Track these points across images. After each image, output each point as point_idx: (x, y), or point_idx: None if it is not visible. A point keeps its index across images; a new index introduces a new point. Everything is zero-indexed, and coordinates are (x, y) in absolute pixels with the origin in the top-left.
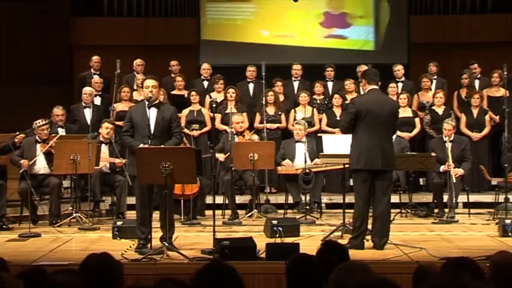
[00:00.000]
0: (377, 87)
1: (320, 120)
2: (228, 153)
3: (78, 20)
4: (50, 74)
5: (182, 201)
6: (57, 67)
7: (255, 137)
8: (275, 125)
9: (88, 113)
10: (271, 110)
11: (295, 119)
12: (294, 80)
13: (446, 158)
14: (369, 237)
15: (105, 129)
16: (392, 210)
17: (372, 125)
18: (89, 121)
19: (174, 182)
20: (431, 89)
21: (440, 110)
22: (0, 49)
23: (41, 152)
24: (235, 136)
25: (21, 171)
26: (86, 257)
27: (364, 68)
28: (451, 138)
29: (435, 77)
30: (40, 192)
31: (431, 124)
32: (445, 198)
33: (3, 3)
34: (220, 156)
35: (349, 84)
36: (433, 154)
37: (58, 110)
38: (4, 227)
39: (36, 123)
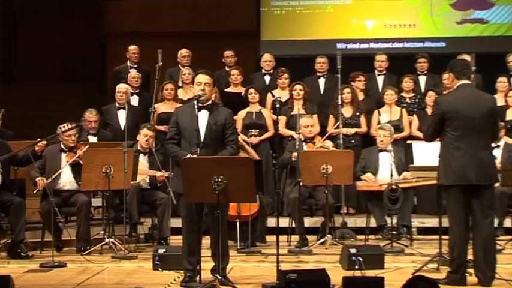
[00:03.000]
0: (469, 82)
1: (410, 124)
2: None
3: (111, 3)
4: (78, 69)
5: (238, 224)
6: (87, 60)
7: (329, 145)
8: (353, 130)
9: (123, 116)
10: (348, 111)
11: (378, 123)
12: (378, 74)
13: None
14: (472, 270)
15: (144, 136)
16: (502, 238)
17: (463, 129)
18: (123, 126)
19: (228, 201)
20: None
21: None
22: (18, 42)
23: (67, 164)
24: (304, 143)
25: (35, 192)
26: None
27: None
28: None
29: None
30: (65, 212)
31: None
32: None
33: None
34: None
35: (447, 77)
36: None
37: (91, 115)
38: (23, 254)
39: (61, 128)
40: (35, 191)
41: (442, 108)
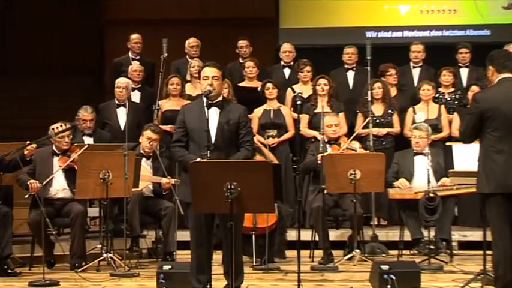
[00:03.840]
0: (511, 75)
1: (450, 123)
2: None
3: None
4: (72, 61)
5: (254, 237)
6: (82, 51)
7: (356, 146)
8: (385, 130)
9: (123, 114)
10: (379, 109)
11: (413, 122)
12: (413, 67)
13: None
14: None
15: (147, 138)
16: None
17: (504, 129)
18: (123, 125)
19: (243, 211)
20: None
21: None
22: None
23: (60, 169)
24: (328, 145)
25: (27, 196)
26: None
27: None
28: None
29: None
30: (58, 223)
31: None
32: None
33: None
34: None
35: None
36: None
37: (86, 113)
38: (9, 271)
39: (53, 129)
40: (26, 196)
41: (480, 106)
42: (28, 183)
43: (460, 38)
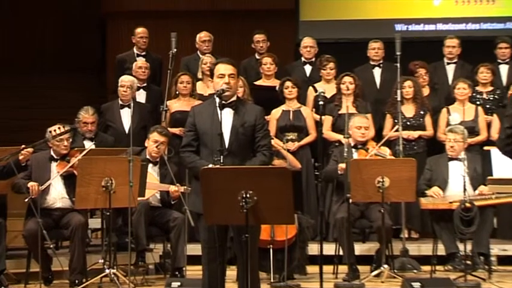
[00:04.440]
0: None
1: (488, 126)
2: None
3: None
4: (71, 57)
5: (272, 251)
6: (83, 46)
7: (386, 153)
8: (416, 133)
9: (127, 116)
10: (409, 110)
11: (448, 124)
12: (448, 63)
13: None
14: None
15: (154, 142)
16: None
17: None
18: (127, 128)
19: (259, 222)
20: None
21: None
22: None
23: (58, 174)
24: (354, 150)
25: (27, 200)
26: None
27: None
28: None
29: None
30: (56, 236)
31: None
32: None
33: None
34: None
35: None
36: None
37: (87, 115)
38: None
39: (50, 132)
40: (26, 199)
41: None
42: (29, 185)
43: (499, 31)
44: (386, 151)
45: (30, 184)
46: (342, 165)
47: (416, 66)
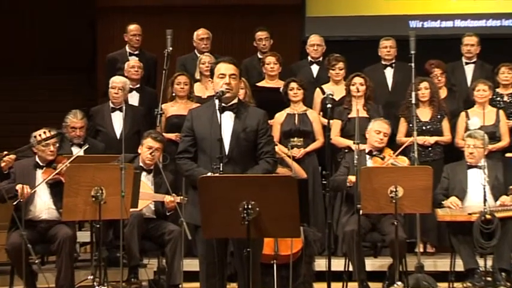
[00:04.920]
0: None
1: (510, 131)
2: None
3: None
4: (60, 56)
5: (275, 267)
6: (72, 45)
7: (405, 163)
8: (433, 139)
9: (118, 120)
10: (425, 114)
11: (467, 129)
12: (466, 63)
13: None
14: None
15: (148, 148)
16: None
17: None
18: (119, 133)
19: (262, 235)
20: None
21: None
22: None
23: (43, 181)
24: (368, 157)
25: (15, 203)
26: None
27: None
28: None
29: None
30: (42, 250)
31: None
32: None
33: None
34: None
35: None
36: None
37: (75, 120)
38: None
39: (35, 136)
40: (15, 203)
41: None
42: (17, 187)
43: None
44: (405, 161)
45: (19, 186)
46: (352, 178)
47: (432, 66)
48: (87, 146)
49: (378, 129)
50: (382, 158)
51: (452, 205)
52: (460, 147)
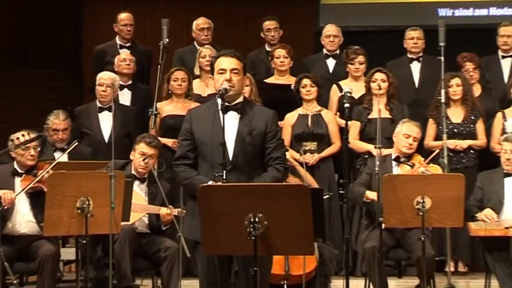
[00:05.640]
0: None
1: None
2: None
3: None
4: (40, 49)
5: None
6: (54, 36)
7: (438, 172)
8: (465, 143)
9: (107, 121)
10: (457, 114)
11: (504, 132)
12: (503, 56)
13: None
14: None
15: (141, 154)
16: None
17: None
18: (107, 136)
19: (271, 253)
20: None
21: None
22: None
23: (23, 190)
24: (395, 164)
25: None
26: None
27: None
28: None
29: None
30: (21, 269)
31: None
32: None
33: None
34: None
35: None
36: None
37: (57, 121)
38: None
39: (13, 140)
40: None
41: None
42: (0, 193)
43: None
44: (437, 170)
45: (2, 192)
46: (370, 194)
47: (464, 60)
48: (76, 144)
49: (407, 133)
50: (412, 166)
51: (487, 218)
52: (496, 153)
